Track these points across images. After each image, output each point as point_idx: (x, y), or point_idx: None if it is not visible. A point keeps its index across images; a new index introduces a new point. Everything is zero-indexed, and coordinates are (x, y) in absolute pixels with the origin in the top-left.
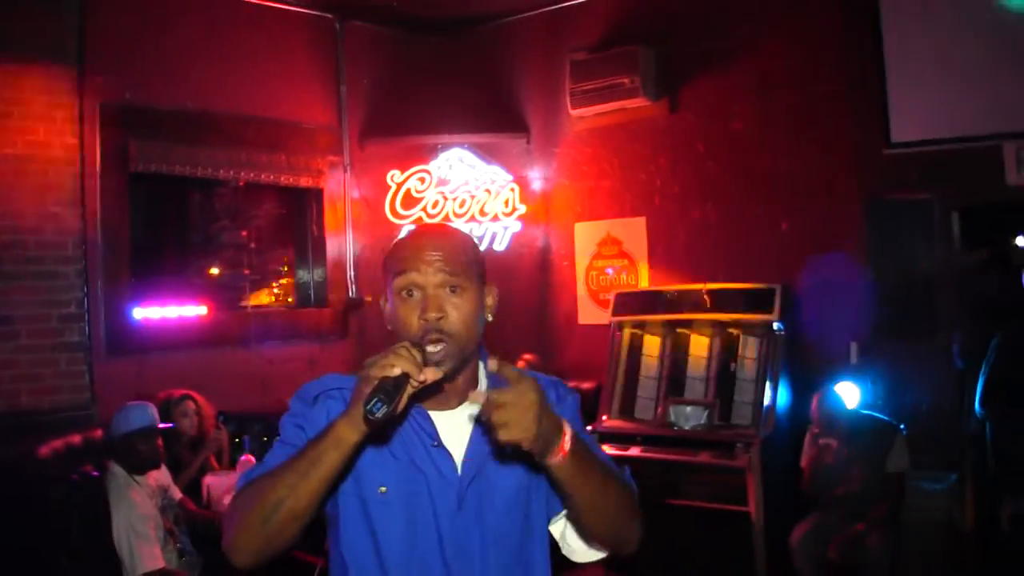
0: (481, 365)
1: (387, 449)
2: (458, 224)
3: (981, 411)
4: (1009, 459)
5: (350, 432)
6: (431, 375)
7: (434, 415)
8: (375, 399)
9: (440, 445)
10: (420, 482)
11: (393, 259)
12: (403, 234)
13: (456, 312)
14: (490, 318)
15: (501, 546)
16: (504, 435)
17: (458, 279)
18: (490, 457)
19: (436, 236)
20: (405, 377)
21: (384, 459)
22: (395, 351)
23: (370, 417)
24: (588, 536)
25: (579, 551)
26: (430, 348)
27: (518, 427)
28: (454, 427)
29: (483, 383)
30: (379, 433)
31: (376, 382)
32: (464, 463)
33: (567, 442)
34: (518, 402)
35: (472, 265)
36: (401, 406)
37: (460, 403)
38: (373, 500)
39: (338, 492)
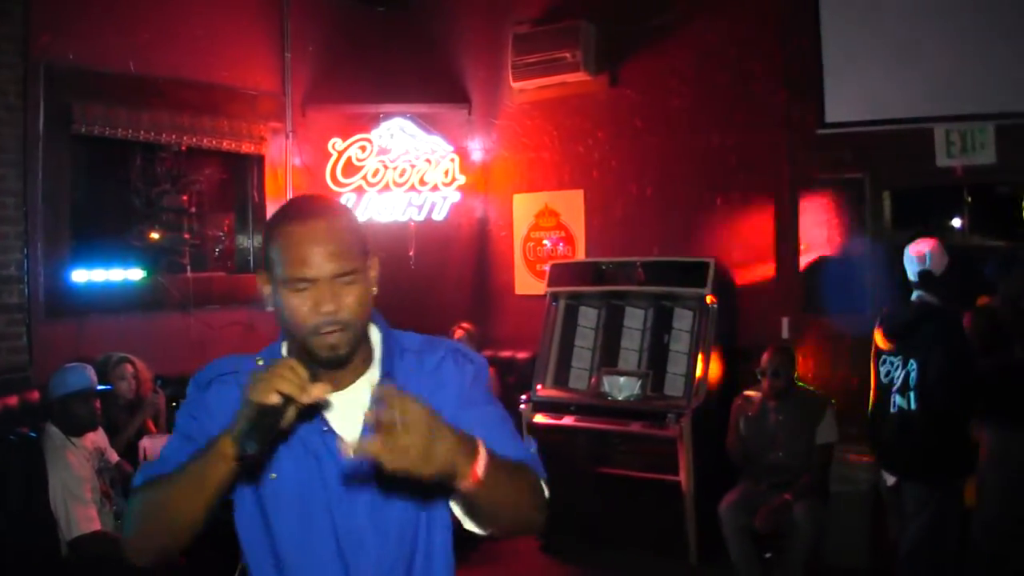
0: (374, 333)
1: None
2: (397, 193)
3: None
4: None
5: (233, 451)
6: (318, 392)
7: (329, 391)
8: (247, 438)
9: (330, 431)
10: (312, 468)
11: (278, 247)
12: (282, 211)
13: (351, 298)
14: (375, 291)
15: (398, 534)
16: (391, 464)
17: (349, 265)
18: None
19: (322, 220)
20: (287, 401)
21: (276, 447)
22: (279, 371)
23: (243, 455)
24: (488, 528)
25: (479, 530)
26: (330, 341)
27: (406, 458)
28: (347, 407)
29: (377, 355)
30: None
31: (253, 411)
32: (358, 445)
33: (480, 467)
34: (407, 431)
35: (358, 245)
36: (285, 423)
37: (353, 381)
38: (265, 487)
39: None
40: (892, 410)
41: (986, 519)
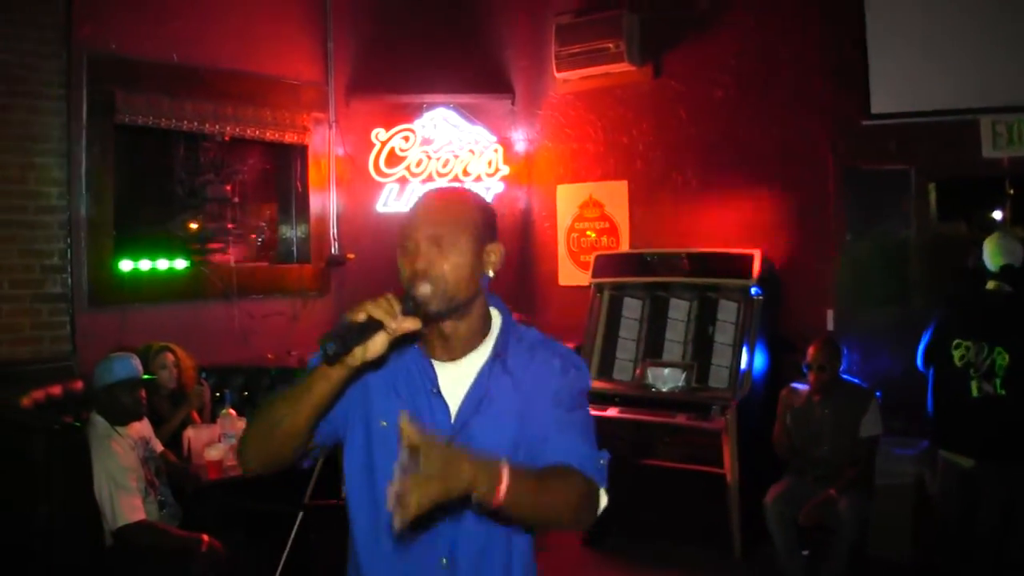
0: (498, 320)
1: (395, 387)
2: (441, 183)
3: (922, 369)
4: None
5: (330, 367)
6: (409, 324)
7: (437, 364)
8: (329, 340)
9: (438, 393)
10: (421, 421)
11: (402, 218)
12: None
13: (445, 264)
14: (491, 274)
15: None
16: (418, 501)
17: (445, 233)
18: (483, 410)
19: (433, 196)
20: (374, 324)
21: (390, 395)
22: (374, 299)
23: (325, 354)
24: (522, 526)
25: None
26: (418, 291)
27: (428, 493)
28: (454, 377)
29: (493, 337)
30: (372, 368)
31: (343, 325)
32: (458, 413)
33: (502, 491)
34: (427, 477)
35: (464, 222)
36: (372, 350)
37: (465, 354)
38: (375, 431)
39: (348, 416)
40: (974, 395)
41: None
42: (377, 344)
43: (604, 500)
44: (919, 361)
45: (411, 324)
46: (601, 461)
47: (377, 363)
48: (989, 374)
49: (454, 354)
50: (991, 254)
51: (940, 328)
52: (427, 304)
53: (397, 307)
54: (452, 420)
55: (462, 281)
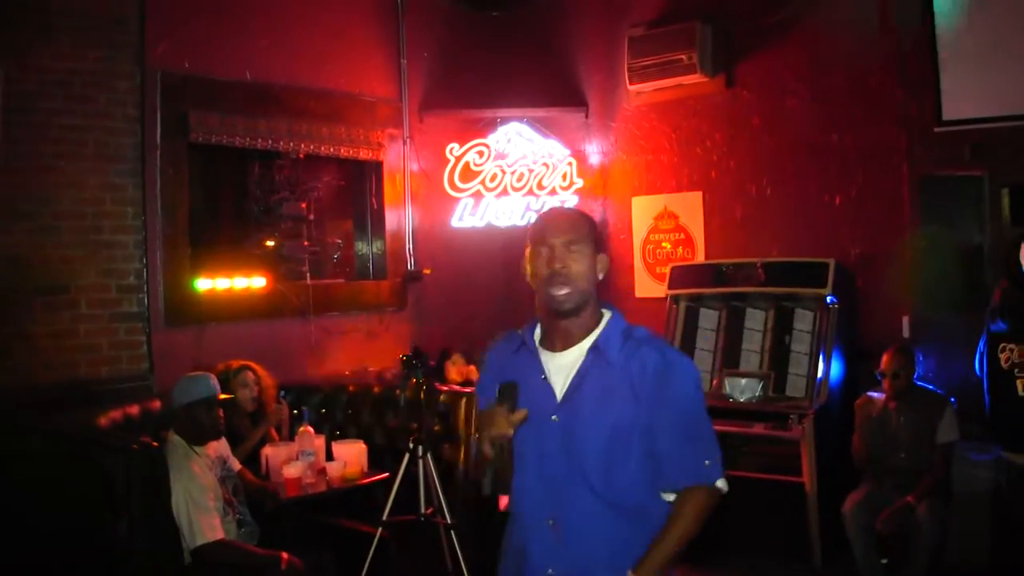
0: (605, 316)
1: (517, 375)
2: (515, 197)
3: (978, 373)
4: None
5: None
6: (517, 419)
7: (547, 355)
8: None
9: (545, 380)
10: (534, 402)
11: (532, 229)
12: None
13: (574, 264)
14: (601, 276)
15: (588, 471)
16: None
17: (576, 240)
18: (583, 393)
19: (561, 210)
20: (497, 452)
21: (520, 382)
22: (491, 416)
23: (485, 491)
24: None
25: None
26: (556, 292)
27: None
28: (560, 365)
29: (599, 330)
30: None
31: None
32: (563, 395)
33: None
34: None
35: (587, 234)
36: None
37: (570, 347)
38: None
39: None
40: (1021, 394)
41: None
42: (507, 445)
43: (723, 487)
44: (976, 365)
45: (519, 418)
46: (708, 461)
47: (506, 365)
48: None
49: (566, 345)
50: None
51: (989, 335)
52: (559, 305)
53: (504, 416)
54: (558, 400)
55: (588, 282)
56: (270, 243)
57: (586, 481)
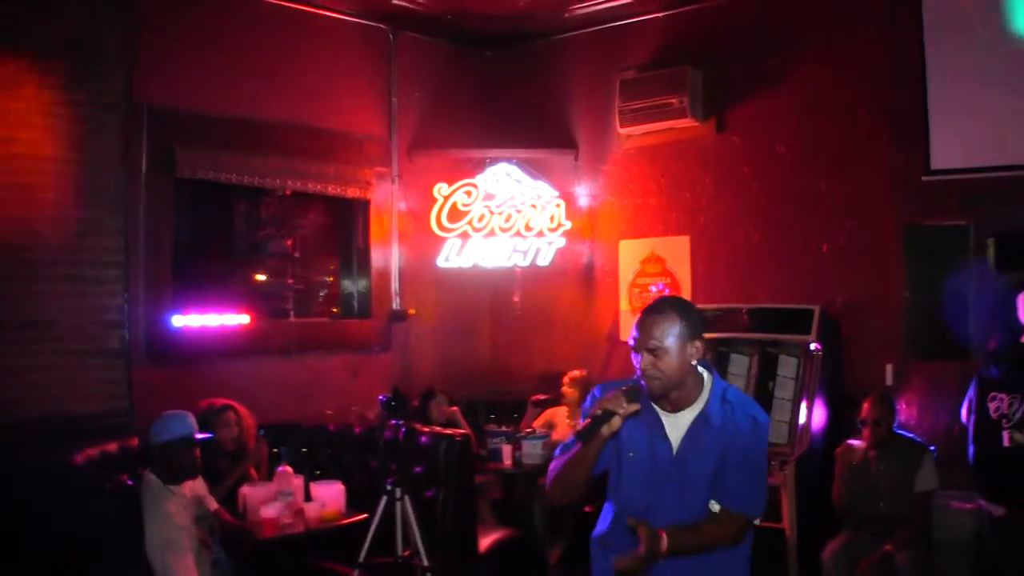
0: (708, 383)
1: (639, 432)
2: (503, 238)
3: (964, 422)
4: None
5: (600, 435)
6: (631, 408)
7: (664, 415)
8: (586, 431)
9: (665, 437)
10: (652, 456)
11: (634, 329)
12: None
13: (657, 366)
14: (694, 362)
15: (692, 501)
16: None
17: (657, 344)
18: (693, 449)
19: (650, 316)
20: (608, 413)
21: (635, 437)
22: (610, 397)
23: (582, 438)
24: None
25: None
26: (649, 385)
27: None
28: (674, 425)
29: (704, 398)
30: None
31: (593, 418)
32: (678, 450)
33: (663, 548)
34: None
35: (670, 332)
36: (613, 427)
37: (683, 408)
38: (624, 460)
39: (611, 457)
40: (1005, 445)
41: None
42: (615, 424)
43: (758, 520)
44: (963, 414)
45: (634, 409)
46: (759, 501)
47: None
48: (1020, 425)
49: (675, 408)
50: (1022, 307)
51: (979, 381)
52: (655, 392)
53: (624, 400)
54: (674, 454)
55: (673, 374)
56: (255, 280)
57: (691, 511)
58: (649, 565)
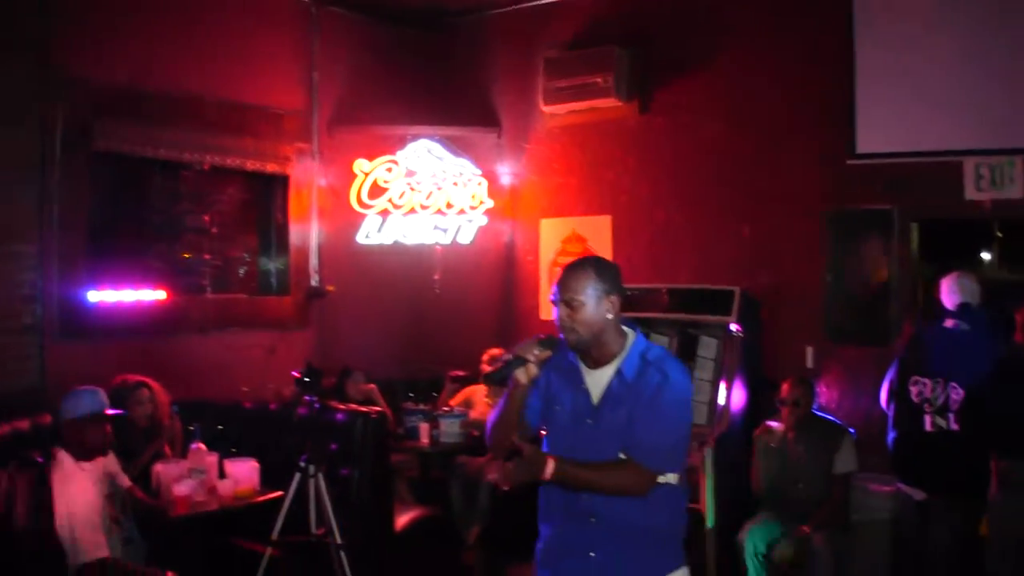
0: (631, 341)
1: (565, 387)
2: (423, 216)
3: (884, 406)
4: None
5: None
6: (543, 355)
7: (586, 370)
8: (492, 373)
9: (586, 391)
10: (574, 410)
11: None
12: None
13: (573, 318)
14: (610, 316)
15: (607, 455)
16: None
17: (572, 297)
18: (609, 404)
19: (569, 268)
20: (519, 359)
21: (561, 392)
22: (526, 344)
23: (490, 380)
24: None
25: None
26: (567, 337)
27: (508, 478)
28: (595, 380)
29: (623, 355)
30: (549, 376)
31: (508, 359)
32: (596, 404)
33: (548, 472)
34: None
35: (587, 287)
36: (530, 374)
37: (603, 365)
38: (552, 411)
39: (542, 409)
40: (927, 429)
41: (998, 548)
42: (532, 371)
43: (669, 479)
44: (882, 398)
45: (545, 355)
46: (664, 455)
47: (554, 372)
48: (943, 410)
49: (597, 364)
50: (949, 292)
51: (900, 365)
52: (572, 345)
53: (536, 348)
54: (592, 408)
55: (589, 327)
56: (171, 255)
57: (606, 456)
58: (523, 481)
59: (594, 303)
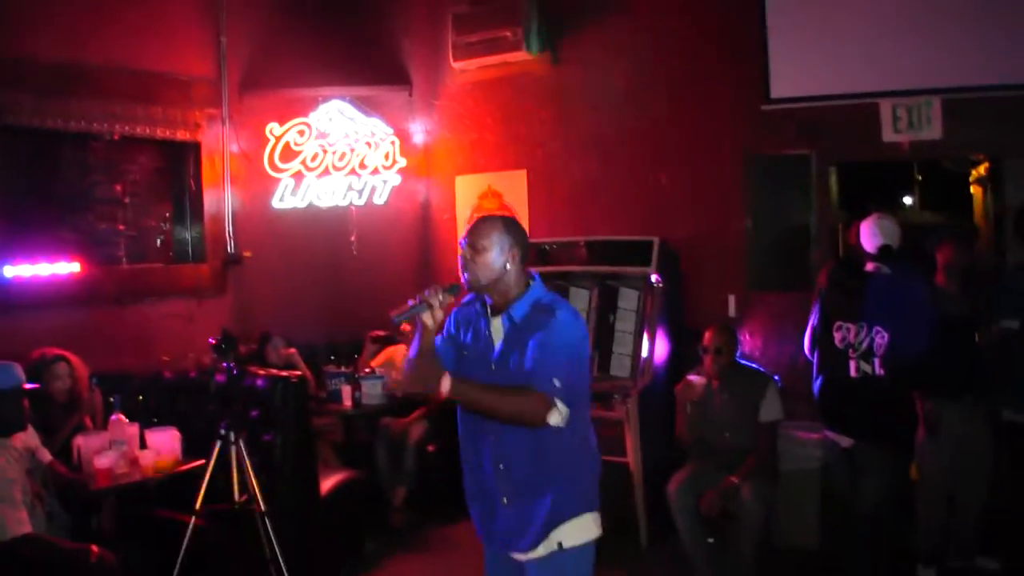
0: (530, 290)
1: (471, 333)
2: (337, 177)
3: (808, 353)
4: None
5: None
6: (447, 300)
7: (492, 319)
8: (398, 315)
9: (490, 337)
10: (481, 355)
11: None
12: None
13: (475, 260)
14: (509, 267)
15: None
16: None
17: (476, 241)
18: (507, 346)
19: (477, 220)
20: (423, 304)
21: (469, 338)
22: (431, 290)
23: (398, 321)
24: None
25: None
26: (467, 278)
27: (402, 385)
28: (496, 327)
29: (523, 302)
30: (457, 323)
31: (414, 303)
32: (498, 349)
33: (444, 388)
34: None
35: (491, 235)
36: (436, 319)
37: (502, 312)
38: (461, 356)
39: (452, 355)
40: (853, 375)
41: (928, 492)
42: (438, 316)
43: (562, 411)
44: (806, 345)
45: (449, 301)
46: (556, 383)
47: (463, 321)
48: (867, 355)
49: (498, 311)
50: (870, 235)
51: (823, 311)
52: (471, 286)
53: (440, 293)
54: (494, 351)
55: (489, 272)
56: (84, 227)
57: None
58: (419, 391)
59: (496, 251)
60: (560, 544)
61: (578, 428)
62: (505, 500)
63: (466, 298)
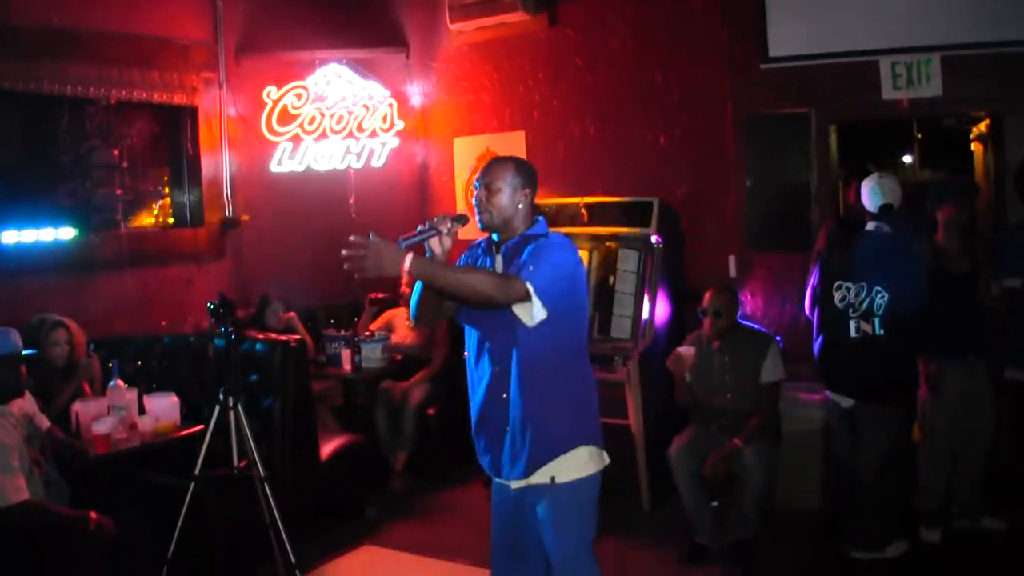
0: (535, 226)
1: (483, 262)
2: (335, 140)
3: (808, 313)
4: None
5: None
6: (455, 227)
7: (495, 254)
8: (404, 240)
9: (493, 255)
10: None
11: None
12: None
13: (489, 199)
14: (520, 207)
15: (515, 324)
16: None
17: (490, 181)
18: (507, 270)
19: (492, 159)
20: (431, 230)
21: (479, 259)
22: (438, 217)
23: (402, 247)
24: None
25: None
26: (479, 216)
27: (362, 266)
28: (500, 260)
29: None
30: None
31: (423, 228)
32: (501, 265)
33: (405, 266)
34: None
35: (505, 175)
36: (445, 245)
37: (504, 243)
38: None
39: None
40: (853, 335)
41: (931, 452)
42: (446, 242)
43: (536, 306)
44: (806, 305)
45: (456, 229)
46: (537, 281)
47: (470, 257)
48: (868, 314)
49: (502, 240)
50: (870, 194)
51: (823, 271)
52: (484, 224)
53: (448, 221)
54: (499, 268)
55: (501, 211)
56: (82, 193)
57: (515, 338)
58: (378, 274)
59: (509, 191)
60: (553, 479)
61: (576, 358)
62: (508, 429)
63: (474, 242)
